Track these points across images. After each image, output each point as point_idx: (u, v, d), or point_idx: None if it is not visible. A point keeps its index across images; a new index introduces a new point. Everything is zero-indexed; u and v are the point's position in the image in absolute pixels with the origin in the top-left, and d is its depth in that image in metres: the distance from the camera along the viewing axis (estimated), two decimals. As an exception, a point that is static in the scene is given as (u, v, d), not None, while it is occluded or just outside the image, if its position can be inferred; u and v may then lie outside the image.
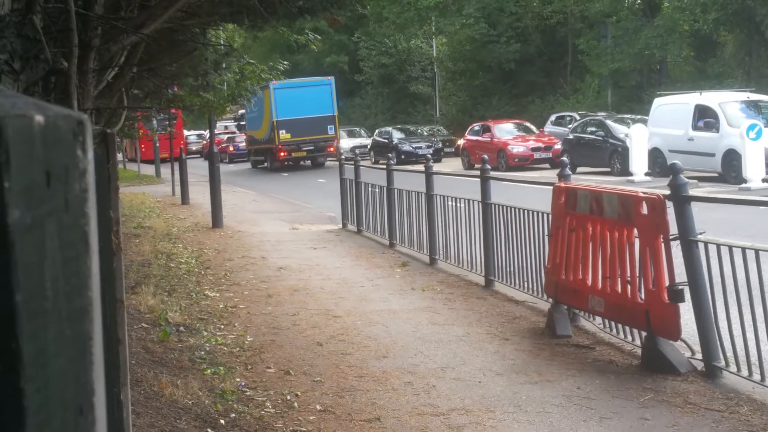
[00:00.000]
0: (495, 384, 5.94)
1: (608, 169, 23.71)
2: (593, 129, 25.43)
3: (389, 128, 38.37)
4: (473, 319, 7.90)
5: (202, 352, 6.89)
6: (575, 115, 31.21)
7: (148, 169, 36.16)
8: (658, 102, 22.86)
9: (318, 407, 5.57)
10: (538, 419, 5.23)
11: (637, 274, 6.30)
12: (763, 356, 5.41)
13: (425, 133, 38.47)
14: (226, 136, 48.81)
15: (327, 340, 7.30)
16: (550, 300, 7.44)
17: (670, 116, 21.60)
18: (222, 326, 7.93)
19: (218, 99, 12.14)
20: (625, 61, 35.87)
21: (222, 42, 10.65)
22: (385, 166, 13.27)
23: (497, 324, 7.67)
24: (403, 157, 33.22)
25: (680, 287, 5.90)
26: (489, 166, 9.82)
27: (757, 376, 5.45)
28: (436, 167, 13.45)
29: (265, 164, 37.19)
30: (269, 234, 15.16)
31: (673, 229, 6.01)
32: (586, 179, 19.81)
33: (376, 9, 43.07)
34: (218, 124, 41.54)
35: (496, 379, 6.05)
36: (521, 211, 8.56)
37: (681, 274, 5.98)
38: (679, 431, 4.95)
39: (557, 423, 5.16)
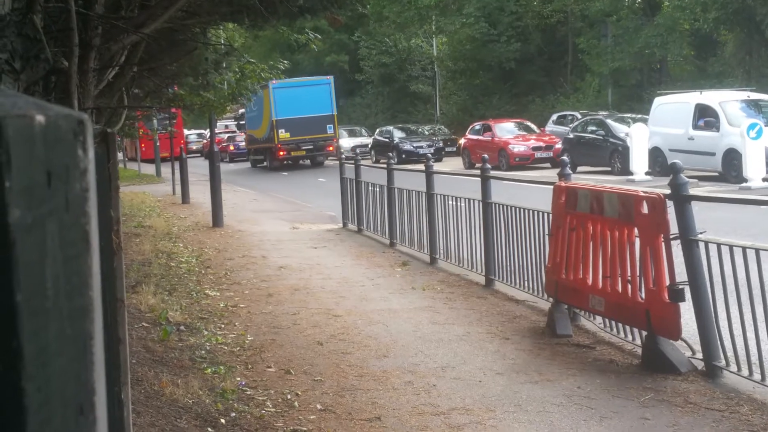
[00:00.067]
0: (495, 383, 5.95)
1: (608, 169, 23.71)
2: (593, 128, 25.43)
3: (390, 127, 38.35)
4: (474, 319, 7.90)
5: (203, 352, 6.89)
6: (577, 114, 31.19)
7: (149, 169, 36.16)
8: (658, 101, 22.86)
9: (318, 406, 5.57)
10: (539, 419, 5.23)
11: (638, 274, 6.30)
12: (764, 356, 5.41)
13: (426, 133, 38.46)
14: (226, 136, 48.81)
15: (327, 340, 7.30)
16: (551, 299, 7.44)
17: (670, 115, 21.60)
18: (222, 325, 7.94)
19: (218, 98, 12.15)
20: (626, 60, 35.87)
21: (222, 41, 10.65)
22: (385, 166, 13.27)
23: (498, 323, 7.67)
24: (404, 156, 33.21)
25: (681, 287, 5.90)
26: (489, 166, 9.83)
27: (757, 376, 5.44)
28: (436, 167, 13.45)
29: (265, 163, 37.29)
30: (270, 233, 15.16)
31: (674, 228, 6.01)
32: (586, 178, 19.80)
33: (376, 8, 43.07)
34: (219, 124, 41.60)
35: (497, 379, 6.05)
36: (521, 210, 8.56)
37: (681, 274, 5.98)
38: (679, 431, 4.95)
39: (558, 422, 5.16)
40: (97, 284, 0.62)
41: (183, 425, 5.07)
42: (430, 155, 18.17)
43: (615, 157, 23.58)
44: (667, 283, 5.95)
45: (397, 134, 36.61)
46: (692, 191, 6.38)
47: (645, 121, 22.88)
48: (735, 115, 19.88)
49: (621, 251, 6.45)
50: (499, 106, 41.75)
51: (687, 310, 6.03)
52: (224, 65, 9.82)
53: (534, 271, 8.23)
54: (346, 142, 38.55)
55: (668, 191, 6.13)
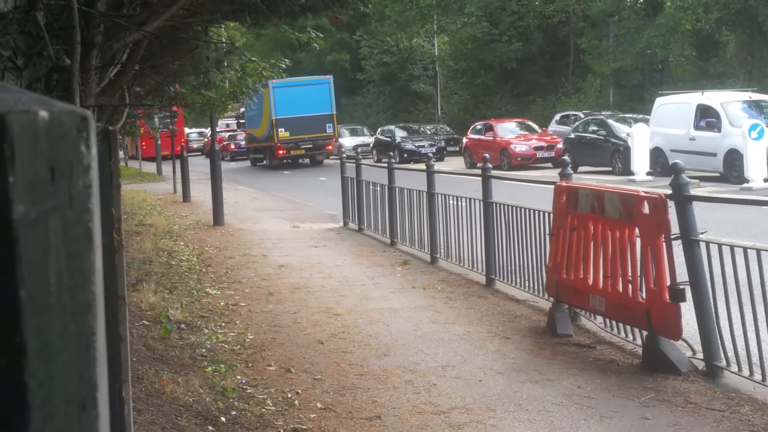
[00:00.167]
0: (496, 383, 5.95)
1: (610, 169, 23.70)
2: (595, 128, 25.42)
3: (392, 127, 38.32)
4: (474, 318, 7.90)
5: (203, 350, 6.90)
6: (580, 114, 31.17)
7: (150, 167, 36.17)
8: (659, 101, 22.85)
9: (319, 405, 5.57)
10: (539, 418, 5.23)
11: (639, 274, 6.30)
12: (764, 356, 5.41)
13: (428, 132, 38.44)
14: (227, 134, 48.82)
15: (328, 338, 7.31)
16: (551, 299, 7.44)
17: (671, 116, 21.59)
18: (223, 324, 7.94)
19: (220, 97, 12.14)
20: (627, 60, 35.84)
21: (224, 40, 10.65)
22: (386, 165, 13.27)
23: (498, 323, 7.67)
24: (405, 155, 33.19)
25: (681, 287, 5.90)
26: (490, 165, 9.83)
27: (758, 376, 5.44)
28: (438, 166, 13.45)
29: (264, 162, 37.37)
30: (270, 232, 15.16)
31: (675, 228, 6.01)
32: (587, 178, 19.79)
33: (378, 7, 43.06)
34: (220, 122, 41.64)
35: (497, 378, 6.05)
36: (522, 210, 8.56)
37: (682, 274, 5.98)
38: (679, 431, 4.95)
39: (558, 422, 5.16)
40: (100, 281, 0.62)
41: (183, 423, 5.07)
42: (431, 155, 18.16)
43: (616, 157, 23.57)
44: (668, 283, 5.95)
45: (399, 133, 36.59)
46: (693, 191, 6.37)
47: (646, 121, 22.87)
48: (736, 115, 19.88)
49: (622, 251, 6.45)
50: (501, 106, 41.73)
51: (688, 310, 6.03)
52: (226, 64, 9.82)
53: (535, 270, 8.23)
54: (348, 141, 38.53)
55: (669, 191, 6.13)
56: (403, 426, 5.17)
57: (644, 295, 6.21)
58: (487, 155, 10.24)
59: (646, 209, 6.17)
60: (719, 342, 5.77)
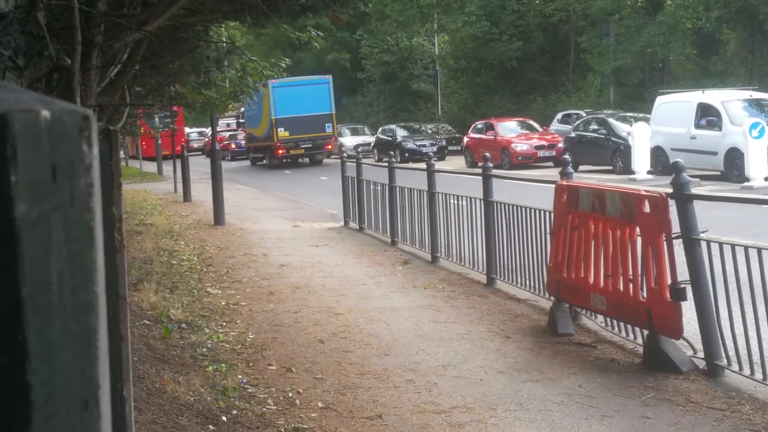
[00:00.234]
0: (496, 382, 5.95)
1: (610, 168, 23.70)
2: (595, 127, 25.41)
3: (393, 126, 38.31)
4: (475, 317, 7.90)
5: (204, 349, 6.90)
6: (582, 113, 31.16)
7: (150, 167, 36.18)
8: (660, 100, 22.85)
9: (319, 404, 5.57)
10: (540, 417, 5.23)
11: (639, 273, 6.30)
12: (765, 355, 5.41)
13: (430, 131, 38.42)
14: (228, 134, 48.82)
15: (328, 338, 7.31)
16: (552, 298, 7.44)
17: (672, 114, 21.59)
18: (224, 323, 7.94)
19: (220, 96, 12.14)
20: (628, 59, 35.84)
21: (224, 39, 10.65)
22: (387, 164, 13.27)
23: (499, 322, 7.67)
24: (407, 155, 33.17)
25: (682, 286, 5.90)
26: (491, 164, 9.83)
27: (759, 375, 5.44)
28: (439, 165, 13.45)
29: (264, 161, 37.46)
30: (271, 231, 15.16)
31: (675, 227, 6.01)
32: (588, 177, 19.78)
33: (378, 7, 43.07)
34: (221, 122, 41.63)
35: (498, 377, 6.05)
36: (523, 209, 8.56)
37: (683, 273, 5.98)
38: (680, 430, 4.95)
39: (559, 421, 5.16)
40: (102, 280, 0.62)
41: (184, 423, 5.08)
42: (432, 154, 18.15)
43: (617, 156, 23.56)
44: (669, 282, 5.95)
45: (400, 133, 36.58)
46: (694, 190, 6.37)
47: (647, 120, 22.87)
48: (737, 114, 19.87)
49: (623, 250, 6.45)
50: (501, 105, 41.72)
51: (688, 309, 6.02)
52: (226, 63, 9.82)
53: (535, 269, 8.23)
54: (349, 141, 38.52)
55: (670, 190, 6.12)
56: (404, 425, 5.18)
57: (645, 294, 6.21)
58: (487, 154, 10.24)
59: (646, 208, 6.17)
60: (720, 341, 5.77)
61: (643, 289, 6.25)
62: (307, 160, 36.40)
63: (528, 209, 8.43)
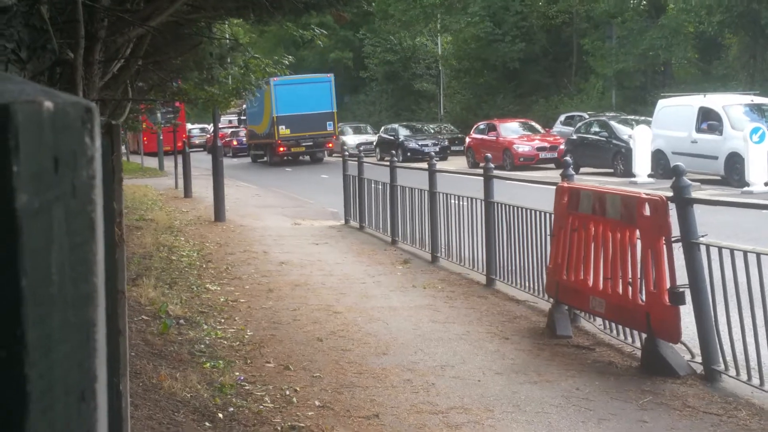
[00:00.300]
0: (494, 383, 5.95)
1: (611, 170, 23.69)
2: (597, 130, 25.42)
3: (395, 125, 38.31)
4: (474, 318, 7.90)
5: (202, 346, 6.90)
6: (584, 115, 31.17)
7: (151, 162, 36.18)
8: (662, 104, 22.85)
9: (317, 403, 5.57)
10: (537, 419, 5.23)
11: (639, 276, 6.30)
12: (763, 360, 5.41)
13: (432, 131, 38.41)
14: (230, 131, 48.84)
15: (327, 336, 7.31)
16: (551, 300, 7.44)
17: (673, 118, 21.60)
18: (222, 320, 7.94)
19: (223, 93, 12.15)
20: (630, 61, 35.85)
21: (227, 36, 10.65)
22: (388, 163, 13.27)
23: (498, 323, 7.67)
24: (409, 154, 33.13)
25: (681, 290, 5.90)
26: (492, 165, 9.83)
27: (756, 381, 5.44)
28: (440, 165, 13.45)
29: (265, 158, 37.53)
30: (271, 229, 15.16)
31: (675, 231, 6.01)
32: (589, 180, 19.79)
33: (381, 6, 43.10)
34: (223, 119, 41.68)
35: (496, 379, 6.05)
36: (523, 210, 8.56)
37: (682, 277, 5.98)
38: (677, 433, 4.94)
39: (556, 423, 5.16)
40: (102, 272, 0.62)
41: (181, 419, 5.08)
42: (434, 153, 18.15)
43: (618, 158, 23.56)
44: (668, 285, 5.95)
45: (403, 132, 36.57)
46: (694, 194, 6.37)
47: (648, 123, 22.87)
48: (738, 118, 19.87)
49: (622, 253, 6.45)
50: (503, 106, 41.74)
51: (687, 314, 6.02)
52: (229, 60, 9.83)
53: (535, 271, 8.23)
54: (351, 140, 38.49)
55: (670, 194, 6.12)
56: (400, 425, 5.18)
57: (644, 298, 6.21)
58: (489, 155, 10.24)
59: (647, 211, 6.17)
60: (718, 346, 5.77)
61: (642, 292, 6.25)
62: (307, 157, 36.45)
63: (528, 210, 8.44)
